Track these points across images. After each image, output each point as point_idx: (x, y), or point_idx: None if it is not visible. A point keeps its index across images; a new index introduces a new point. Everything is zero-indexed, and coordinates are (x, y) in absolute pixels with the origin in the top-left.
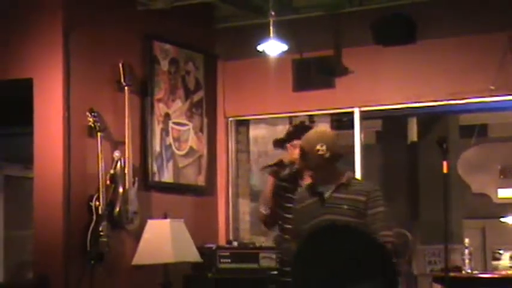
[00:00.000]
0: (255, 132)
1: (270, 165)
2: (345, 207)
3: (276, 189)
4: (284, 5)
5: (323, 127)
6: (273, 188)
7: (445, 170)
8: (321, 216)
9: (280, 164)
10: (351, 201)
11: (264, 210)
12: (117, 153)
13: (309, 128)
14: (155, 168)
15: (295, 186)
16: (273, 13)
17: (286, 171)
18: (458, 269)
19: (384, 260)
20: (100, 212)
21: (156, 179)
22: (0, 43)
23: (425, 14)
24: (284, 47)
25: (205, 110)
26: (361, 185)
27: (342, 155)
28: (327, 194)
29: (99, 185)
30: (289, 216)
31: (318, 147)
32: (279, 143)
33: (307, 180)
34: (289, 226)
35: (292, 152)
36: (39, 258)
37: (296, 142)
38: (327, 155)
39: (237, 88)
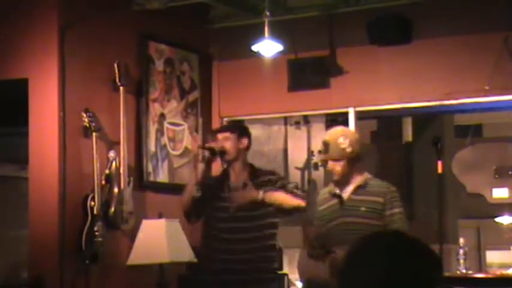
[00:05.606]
0: None
1: (206, 148)
2: (363, 209)
3: (210, 188)
4: (279, 5)
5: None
6: (203, 178)
7: (439, 170)
8: (338, 219)
9: (213, 151)
10: (369, 203)
11: (188, 198)
12: (112, 153)
13: (244, 127)
14: (150, 168)
15: (223, 186)
16: (268, 13)
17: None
18: None
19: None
20: (95, 212)
21: (151, 179)
22: None
23: (421, 14)
24: (279, 47)
25: (200, 110)
26: (378, 186)
27: (362, 157)
28: (345, 196)
29: (94, 185)
30: (222, 215)
31: (341, 140)
32: (212, 133)
33: (235, 179)
34: (223, 225)
35: (223, 143)
36: (34, 258)
37: (229, 135)
38: (349, 149)
39: (232, 88)
